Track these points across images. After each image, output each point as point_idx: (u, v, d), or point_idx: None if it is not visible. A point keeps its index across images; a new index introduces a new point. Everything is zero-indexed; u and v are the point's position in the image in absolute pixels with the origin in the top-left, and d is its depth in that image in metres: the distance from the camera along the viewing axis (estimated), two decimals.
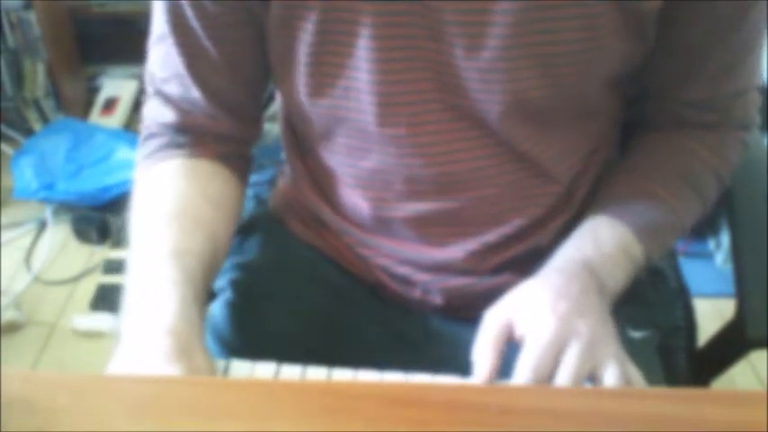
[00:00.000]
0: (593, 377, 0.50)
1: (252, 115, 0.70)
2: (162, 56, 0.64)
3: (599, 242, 0.60)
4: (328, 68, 0.59)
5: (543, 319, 0.52)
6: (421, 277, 0.70)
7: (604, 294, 0.56)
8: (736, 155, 0.68)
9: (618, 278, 0.59)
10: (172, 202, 0.60)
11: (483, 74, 0.57)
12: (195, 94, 0.64)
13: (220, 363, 0.54)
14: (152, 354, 0.49)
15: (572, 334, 0.51)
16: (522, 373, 0.50)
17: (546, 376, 0.50)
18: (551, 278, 0.56)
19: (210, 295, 0.70)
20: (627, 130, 0.73)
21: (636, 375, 0.52)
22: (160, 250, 0.56)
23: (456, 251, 0.67)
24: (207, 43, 0.62)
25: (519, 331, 0.53)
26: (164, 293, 0.53)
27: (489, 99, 0.58)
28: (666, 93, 0.66)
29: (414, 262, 0.69)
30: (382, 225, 0.69)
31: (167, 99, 0.65)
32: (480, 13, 0.55)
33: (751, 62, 0.64)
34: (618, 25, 0.56)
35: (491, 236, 0.66)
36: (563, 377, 0.50)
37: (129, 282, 0.56)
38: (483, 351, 0.52)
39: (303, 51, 0.59)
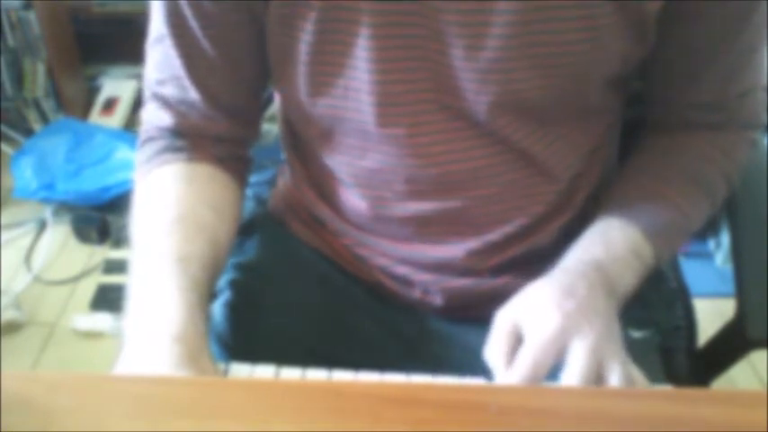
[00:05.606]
0: (597, 378, 0.50)
1: (250, 116, 0.69)
2: (160, 57, 0.64)
3: (609, 244, 0.60)
4: (328, 68, 0.59)
5: (548, 314, 0.52)
6: (420, 277, 0.70)
7: (613, 296, 0.56)
8: (744, 155, 0.68)
9: (627, 280, 0.59)
10: (173, 208, 0.60)
11: (480, 74, 0.57)
12: (193, 95, 0.64)
13: (220, 365, 0.54)
14: (161, 360, 0.49)
15: (576, 333, 0.51)
16: (522, 365, 0.50)
17: (544, 372, 0.50)
18: (559, 277, 0.56)
19: (210, 296, 0.70)
20: (628, 130, 0.73)
21: (639, 377, 0.52)
22: (164, 257, 0.56)
23: (456, 250, 0.67)
24: (206, 43, 0.61)
25: (525, 329, 0.52)
26: (170, 300, 0.53)
27: (485, 100, 0.58)
28: (672, 95, 0.66)
29: (413, 261, 0.69)
30: (382, 225, 0.69)
31: (164, 102, 0.65)
32: (481, 13, 0.55)
33: (755, 62, 0.64)
34: (619, 25, 0.56)
35: (493, 235, 0.66)
36: (570, 377, 0.50)
37: (133, 288, 0.56)
38: (494, 352, 0.52)
39: (303, 50, 0.59)
